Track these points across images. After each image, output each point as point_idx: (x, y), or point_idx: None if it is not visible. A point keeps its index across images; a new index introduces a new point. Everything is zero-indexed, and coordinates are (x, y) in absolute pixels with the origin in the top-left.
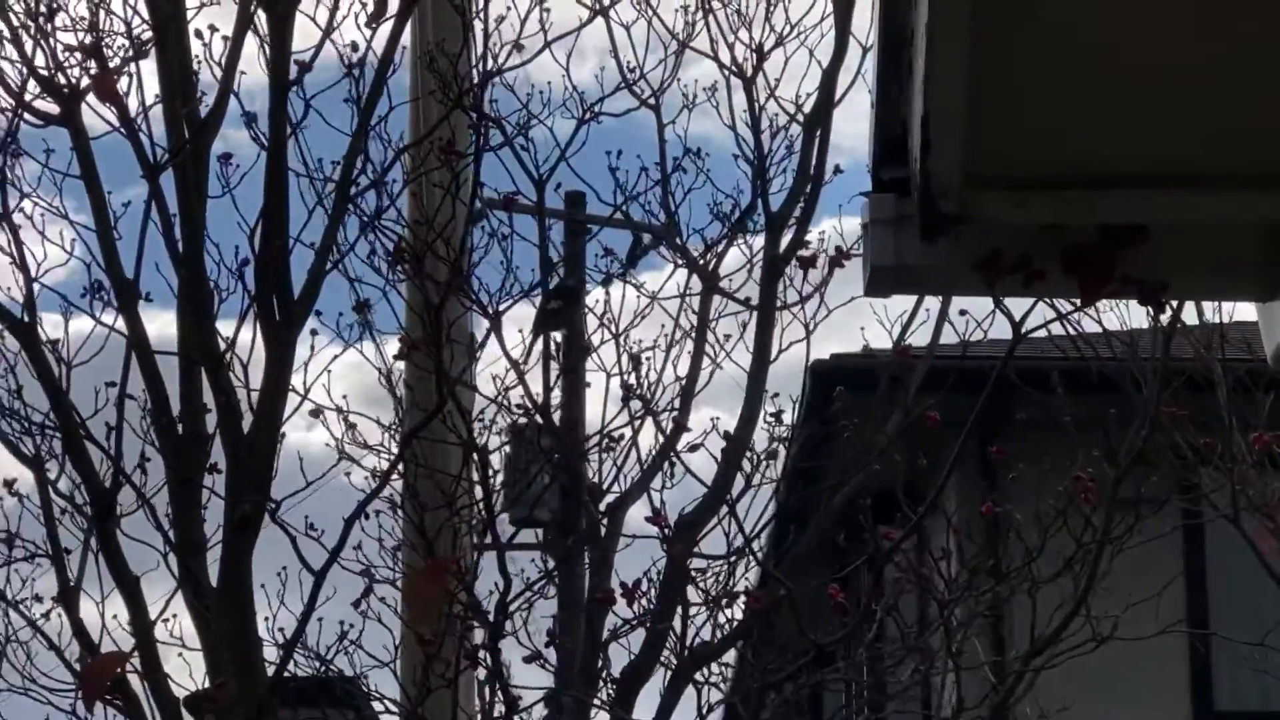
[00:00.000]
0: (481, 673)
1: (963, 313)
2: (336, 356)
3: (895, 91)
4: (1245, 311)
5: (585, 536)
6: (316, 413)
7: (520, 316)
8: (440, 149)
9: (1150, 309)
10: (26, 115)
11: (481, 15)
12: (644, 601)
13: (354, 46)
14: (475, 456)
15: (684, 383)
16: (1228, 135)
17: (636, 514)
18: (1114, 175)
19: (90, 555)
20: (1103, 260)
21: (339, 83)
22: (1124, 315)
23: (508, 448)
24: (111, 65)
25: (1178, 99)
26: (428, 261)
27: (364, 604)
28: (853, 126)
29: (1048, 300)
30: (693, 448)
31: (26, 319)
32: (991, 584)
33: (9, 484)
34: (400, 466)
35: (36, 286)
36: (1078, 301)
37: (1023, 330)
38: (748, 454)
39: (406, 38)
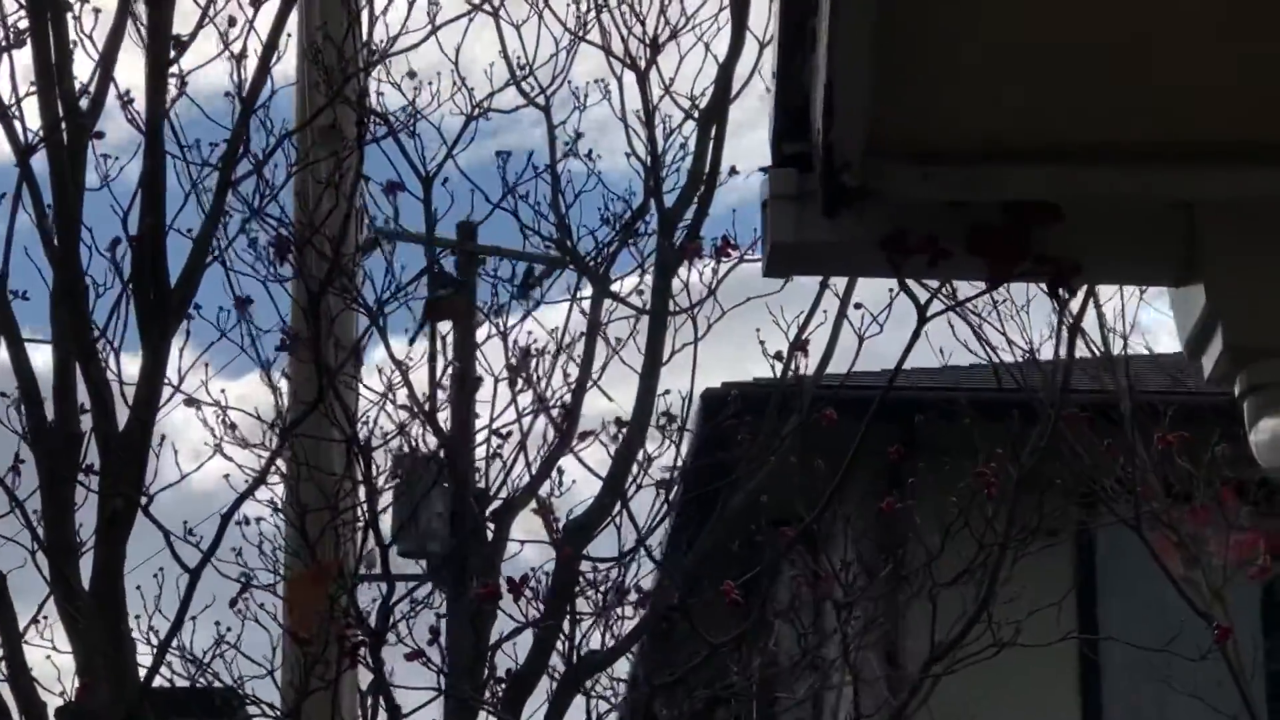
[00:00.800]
0: (364, 678)
1: (858, 306)
2: (212, 344)
3: (798, 60)
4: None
5: (470, 549)
6: (192, 402)
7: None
8: (322, 133)
9: (1060, 292)
10: None
11: (368, 4)
12: (532, 600)
13: (231, 20)
14: (358, 455)
15: (573, 385)
16: (1142, 107)
17: (525, 521)
18: (1024, 149)
19: None
20: (1013, 239)
21: (216, 58)
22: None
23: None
24: None
25: (1092, 67)
26: (309, 255)
27: (241, 605)
28: (750, 132)
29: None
30: (584, 434)
31: None
32: (888, 588)
33: None
34: (282, 466)
35: None
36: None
37: (926, 315)
38: (639, 457)
39: (293, 24)
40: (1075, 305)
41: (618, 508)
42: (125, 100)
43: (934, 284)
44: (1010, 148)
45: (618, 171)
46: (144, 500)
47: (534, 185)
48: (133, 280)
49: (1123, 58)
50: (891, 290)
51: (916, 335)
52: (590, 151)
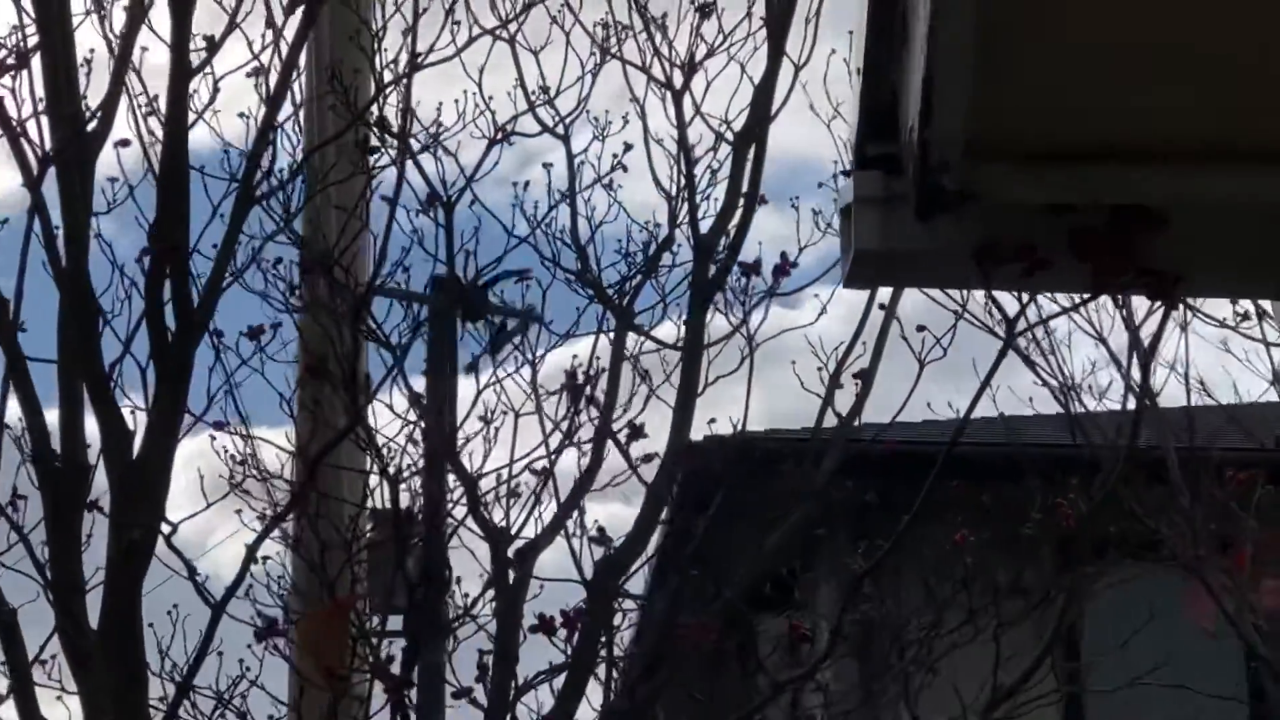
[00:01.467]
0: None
1: (921, 328)
2: (235, 368)
3: (884, 56)
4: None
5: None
6: (220, 426)
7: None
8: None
9: (1162, 304)
10: None
11: (383, 31)
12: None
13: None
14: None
15: (598, 422)
16: (1260, 108)
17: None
18: (1134, 150)
19: None
20: (1117, 247)
21: (242, 68)
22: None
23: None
24: None
25: (1207, 67)
26: (333, 278)
27: (265, 644)
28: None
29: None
30: (645, 457)
31: None
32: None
33: None
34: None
35: None
36: (1081, 296)
37: (1015, 330)
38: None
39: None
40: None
41: (650, 547)
42: (146, 110)
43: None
44: (1119, 149)
45: (636, 203)
46: (166, 531)
47: (556, 215)
48: (148, 300)
49: (1238, 59)
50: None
51: (1002, 355)
52: (611, 181)
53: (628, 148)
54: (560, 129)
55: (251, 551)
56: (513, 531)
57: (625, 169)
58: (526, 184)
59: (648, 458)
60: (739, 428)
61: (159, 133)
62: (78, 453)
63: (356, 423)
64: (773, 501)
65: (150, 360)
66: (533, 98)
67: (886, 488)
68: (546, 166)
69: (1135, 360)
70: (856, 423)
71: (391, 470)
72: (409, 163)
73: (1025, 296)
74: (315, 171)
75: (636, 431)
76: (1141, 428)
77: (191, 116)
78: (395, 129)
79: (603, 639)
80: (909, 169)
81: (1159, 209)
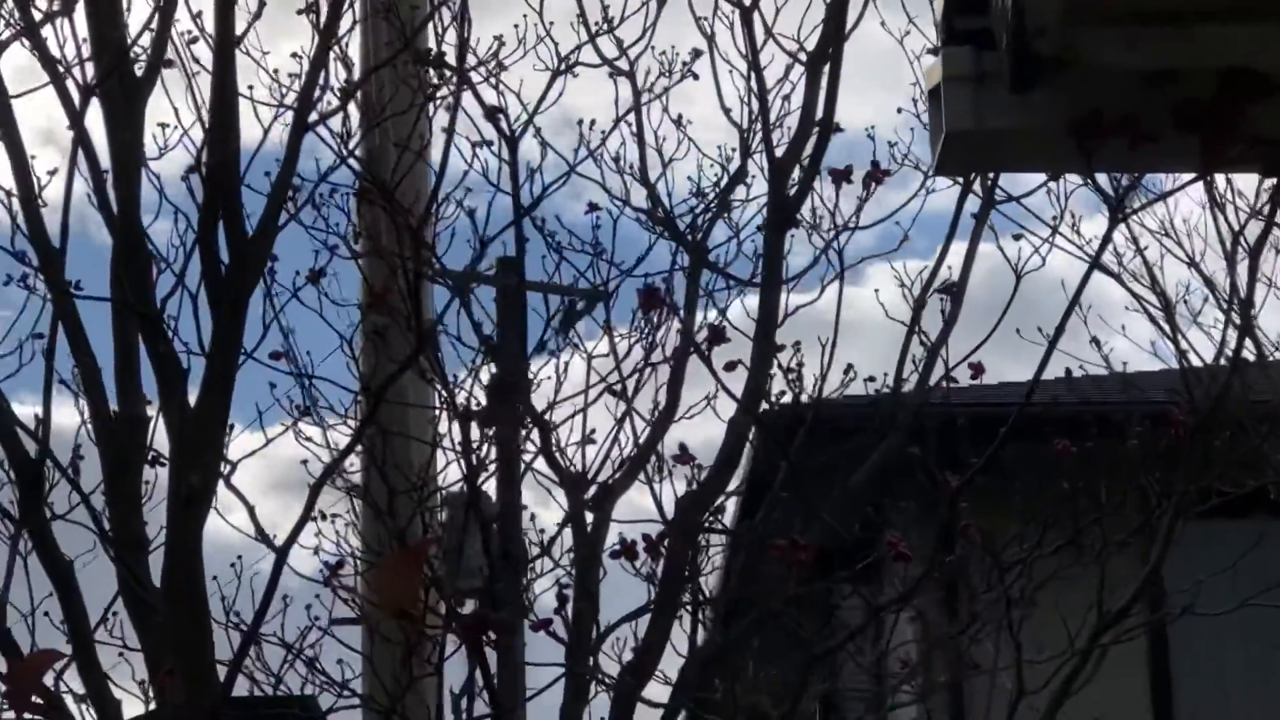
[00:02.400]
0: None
1: (1018, 236)
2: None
3: None
4: None
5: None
6: (277, 356)
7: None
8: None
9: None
10: None
11: None
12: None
13: None
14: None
15: (673, 363)
16: None
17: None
18: (1239, 8)
19: (19, 558)
20: (1225, 117)
21: None
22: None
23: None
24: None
25: None
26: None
27: (334, 587)
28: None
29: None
30: (730, 366)
31: None
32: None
33: None
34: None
35: None
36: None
37: (1121, 214)
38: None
39: None
40: None
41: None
42: (189, 39)
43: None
44: (1224, 7)
45: (705, 140)
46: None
47: (624, 151)
48: (201, 231)
49: None
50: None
51: (1107, 239)
52: (680, 117)
53: (696, 55)
54: (625, 65)
55: (314, 493)
56: (589, 475)
57: (696, 77)
58: (593, 122)
59: (730, 365)
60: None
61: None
62: (134, 403)
63: (420, 350)
64: (855, 451)
65: (200, 287)
66: (594, 27)
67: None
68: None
69: (1235, 268)
70: (945, 348)
71: (460, 403)
72: (468, 95)
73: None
74: (372, 104)
75: (717, 335)
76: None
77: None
78: (451, 61)
79: (688, 576)
80: (1002, 39)
81: (1270, 73)
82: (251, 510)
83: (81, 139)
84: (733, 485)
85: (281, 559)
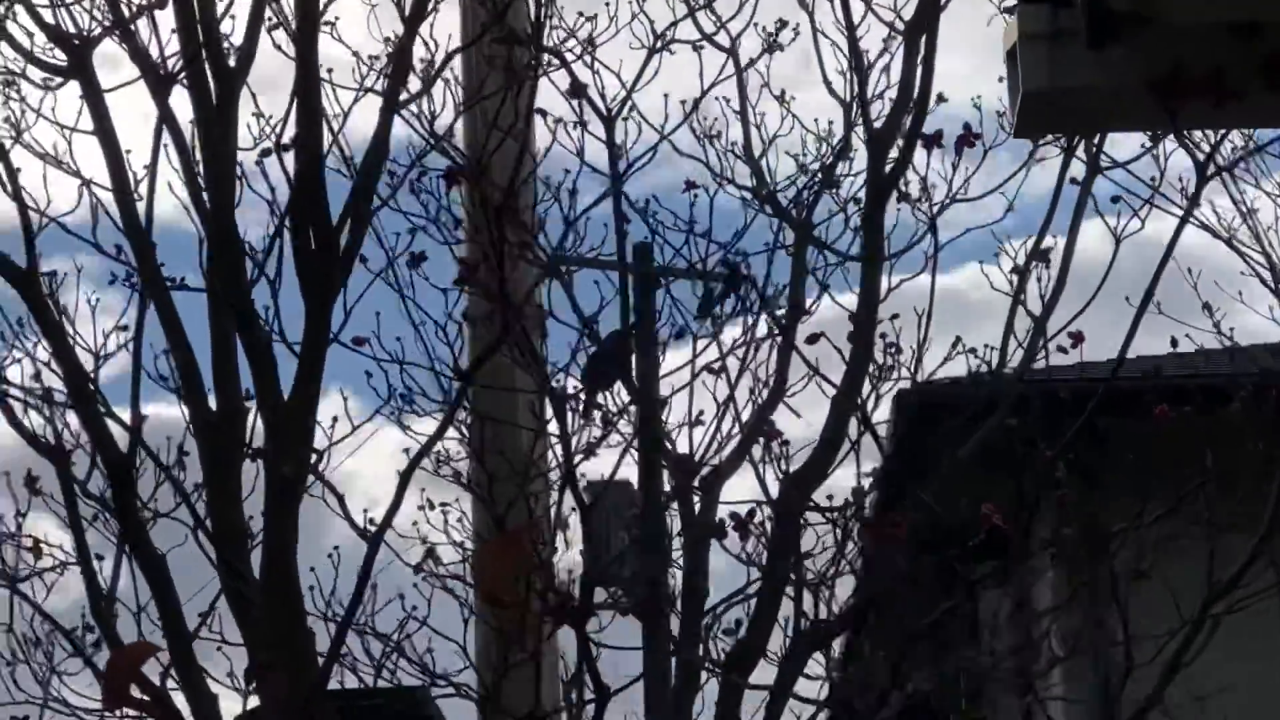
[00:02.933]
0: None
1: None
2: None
3: None
4: None
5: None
6: (360, 341)
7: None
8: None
9: None
10: (35, 69)
11: None
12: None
13: None
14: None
15: (779, 341)
16: None
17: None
18: None
19: (125, 559)
20: None
21: None
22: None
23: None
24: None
25: None
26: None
27: (426, 570)
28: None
29: None
30: (811, 338)
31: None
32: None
33: (32, 482)
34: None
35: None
36: None
37: (1208, 175)
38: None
39: None
40: None
41: (837, 460)
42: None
43: None
44: None
45: (807, 117)
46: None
47: (726, 128)
48: (291, 222)
49: None
50: None
51: (1196, 198)
52: (783, 92)
53: (781, 25)
54: (723, 38)
55: (405, 477)
56: (697, 458)
57: (797, 32)
58: (697, 102)
59: (813, 338)
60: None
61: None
62: (232, 397)
63: (508, 331)
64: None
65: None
66: (692, 2)
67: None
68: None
69: None
70: (1051, 315)
71: (556, 386)
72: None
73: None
74: (469, 81)
75: (797, 310)
76: None
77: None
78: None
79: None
80: None
81: None
82: (341, 499)
83: (171, 128)
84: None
85: (374, 548)
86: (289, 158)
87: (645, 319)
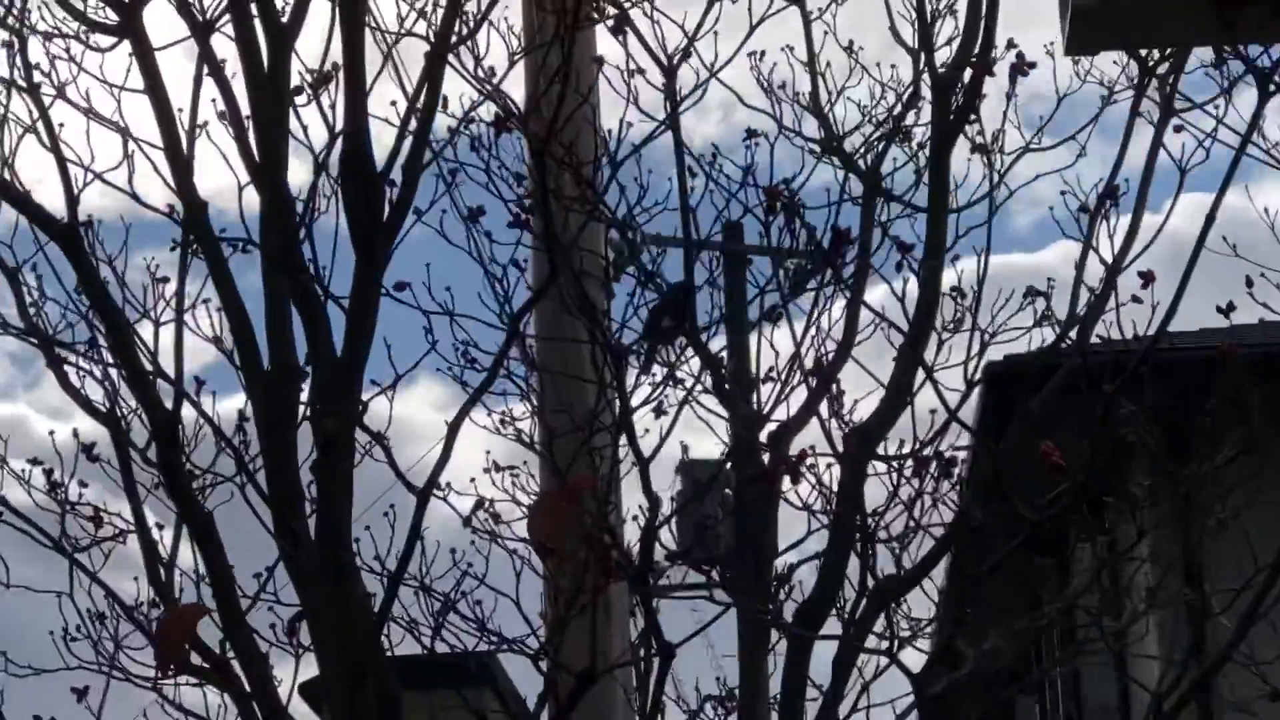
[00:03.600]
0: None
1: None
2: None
3: None
4: None
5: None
6: (401, 287)
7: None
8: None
9: None
10: (85, 29)
11: None
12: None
13: None
14: (606, 357)
15: (848, 297)
16: None
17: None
18: None
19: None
20: None
21: None
22: None
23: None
24: None
25: None
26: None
27: (477, 523)
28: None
29: None
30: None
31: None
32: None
33: (88, 449)
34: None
35: (83, 179)
36: None
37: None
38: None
39: None
40: None
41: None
42: None
43: None
44: None
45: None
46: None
47: (791, 81)
48: (341, 179)
49: None
50: None
51: (1256, 119)
52: (851, 43)
53: None
54: None
55: (453, 429)
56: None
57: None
58: (763, 53)
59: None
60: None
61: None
62: (285, 353)
63: (555, 276)
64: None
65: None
66: None
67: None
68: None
69: None
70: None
71: (605, 338)
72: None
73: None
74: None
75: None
76: None
77: None
78: None
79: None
80: None
81: None
82: (388, 451)
83: (207, 56)
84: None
85: (423, 501)
86: (338, 102)
87: (736, 297)
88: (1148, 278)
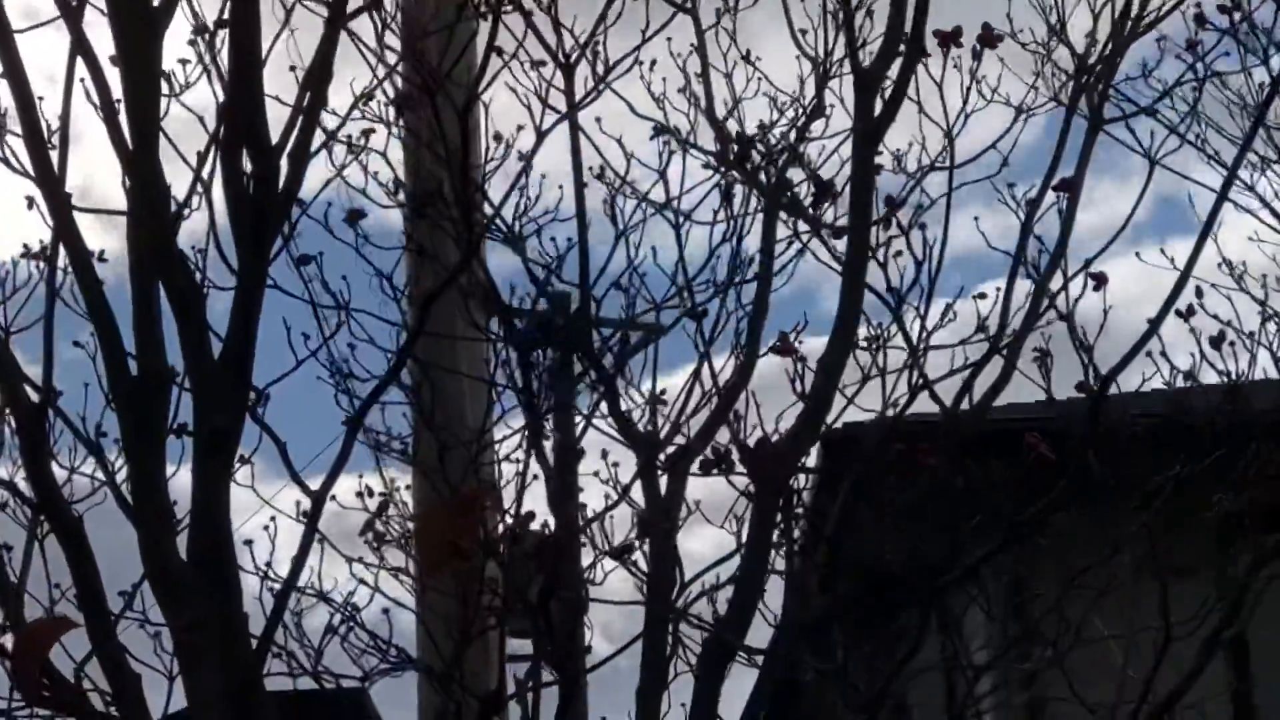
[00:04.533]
0: None
1: None
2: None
3: None
4: None
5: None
6: (306, 260)
7: None
8: None
9: None
10: None
11: None
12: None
13: None
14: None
15: (750, 311)
16: None
17: None
18: None
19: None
20: None
21: None
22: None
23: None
24: None
25: None
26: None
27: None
28: None
29: None
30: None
31: None
32: None
33: None
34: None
35: None
36: None
37: None
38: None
39: None
40: None
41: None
42: None
43: None
44: None
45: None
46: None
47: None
48: (225, 144)
49: None
50: None
51: None
52: (749, 51)
53: None
54: None
55: (355, 425)
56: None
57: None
58: (654, 63)
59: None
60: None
61: None
62: (155, 358)
63: (471, 256)
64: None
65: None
66: None
67: None
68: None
69: None
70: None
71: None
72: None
73: None
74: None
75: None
76: None
77: None
78: None
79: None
80: None
81: None
82: (283, 448)
83: (90, 63)
84: None
85: (316, 509)
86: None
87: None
88: (1100, 280)
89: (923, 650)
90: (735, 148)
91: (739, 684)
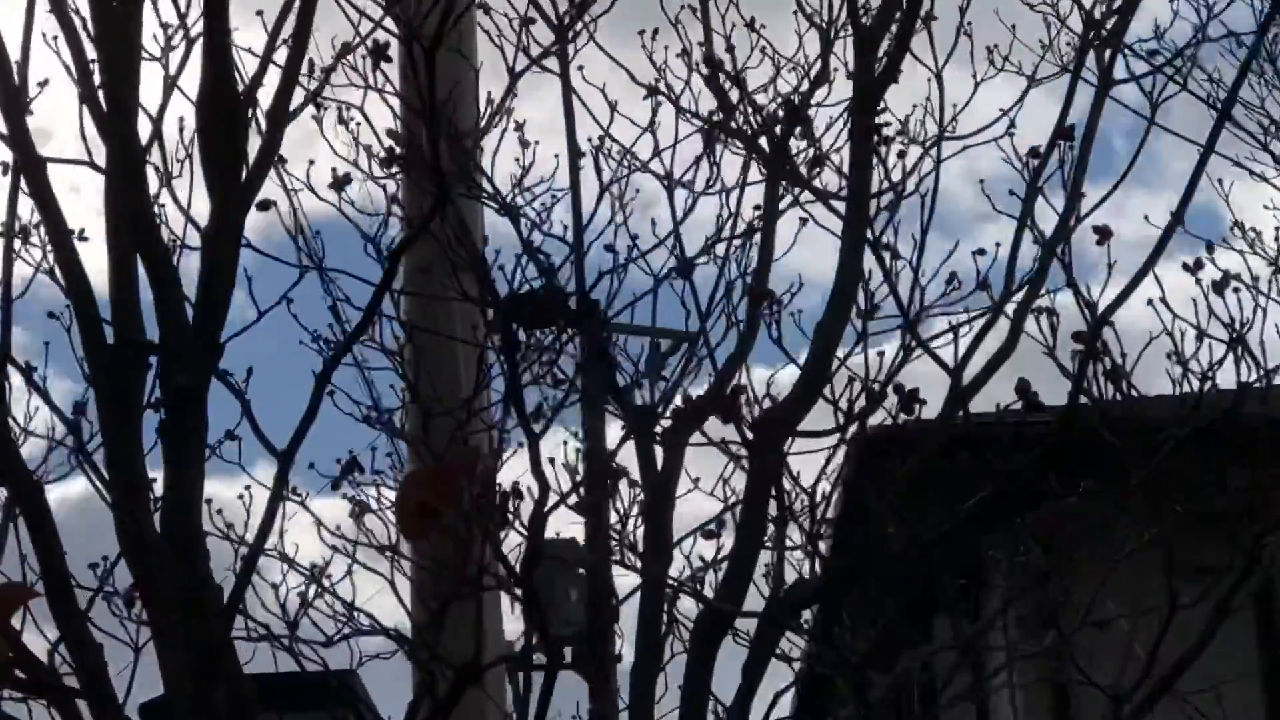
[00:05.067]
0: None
1: None
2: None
3: None
4: None
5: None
6: (265, 206)
7: None
8: None
9: None
10: None
11: None
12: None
13: None
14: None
15: (751, 279)
16: None
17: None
18: None
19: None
20: None
21: None
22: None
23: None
24: None
25: None
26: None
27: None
28: None
29: None
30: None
31: None
32: None
33: None
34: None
35: None
36: None
37: None
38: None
39: None
40: None
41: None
42: None
43: None
44: None
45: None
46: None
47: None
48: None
49: None
50: None
51: None
52: (753, 19)
53: None
54: None
55: (322, 380)
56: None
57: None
58: (655, 31)
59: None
60: None
61: None
62: (130, 326)
63: (444, 202)
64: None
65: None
66: None
67: None
68: None
69: None
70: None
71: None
72: None
73: None
74: None
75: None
76: None
77: None
78: None
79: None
80: None
81: None
82: (246, 405)
83: (65, 26)
84: None
85: (284, 468)
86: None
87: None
88: (1104, 234)
89: (938, 635)
90: (724, 77)
91: (735, 679)
